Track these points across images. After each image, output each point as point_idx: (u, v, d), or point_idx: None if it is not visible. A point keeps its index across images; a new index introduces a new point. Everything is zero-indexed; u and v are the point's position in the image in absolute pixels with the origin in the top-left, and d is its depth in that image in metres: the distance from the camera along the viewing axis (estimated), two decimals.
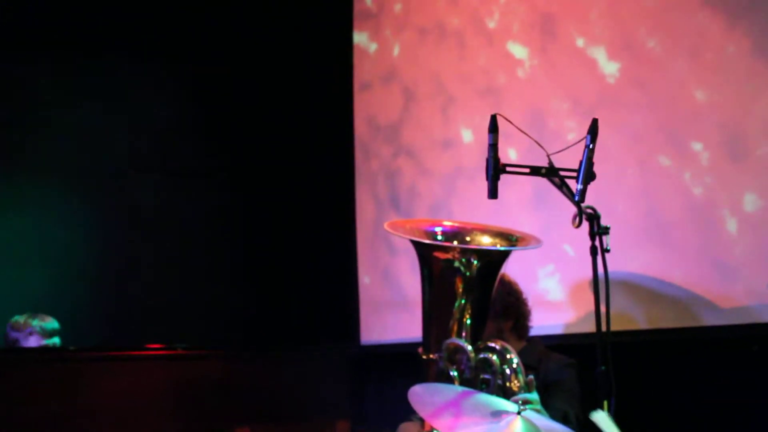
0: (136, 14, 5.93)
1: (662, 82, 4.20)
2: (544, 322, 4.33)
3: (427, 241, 3.65)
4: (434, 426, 2.90)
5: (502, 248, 3.67)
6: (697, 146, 4.03)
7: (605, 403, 3.24)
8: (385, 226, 3.80)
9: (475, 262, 3.50)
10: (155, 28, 5.99)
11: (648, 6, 4.28)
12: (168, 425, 4.53)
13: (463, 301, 3.51)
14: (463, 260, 3.50)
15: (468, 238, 3.71)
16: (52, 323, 5.07)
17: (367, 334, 5.78)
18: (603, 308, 3.42)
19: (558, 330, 4.52)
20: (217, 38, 6.17)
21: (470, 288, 3.50)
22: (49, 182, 5.63)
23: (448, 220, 3.87)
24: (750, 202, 3.87)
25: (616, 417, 2.96)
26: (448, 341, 3.46)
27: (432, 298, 3.62)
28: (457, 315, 3.50)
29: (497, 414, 2.67)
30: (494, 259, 3.59)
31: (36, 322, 5.02)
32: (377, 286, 5.72)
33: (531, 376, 3.37)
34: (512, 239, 3.75)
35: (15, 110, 5.57)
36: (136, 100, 5.89)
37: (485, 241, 3.72)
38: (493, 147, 2.57)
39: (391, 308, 5.54)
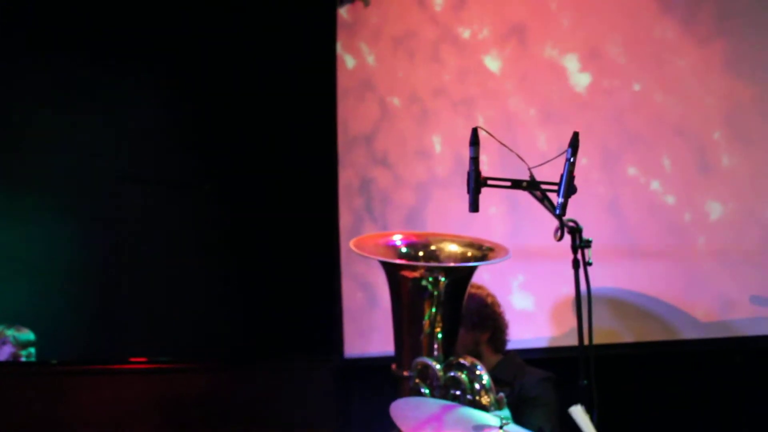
0: (122, 25, 5.92)
1: (627, 91, 4.26)
2: (523, 335, 4.33)
3: (394, 261, 3.63)
4: None
5: (469, 264, 3.65)
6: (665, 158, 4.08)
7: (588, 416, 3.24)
8: (351, 244, 3.76)
9: (443, 279, 3.49)
10: (141, 38, 5.98)
11: (614, 17, 4.34)
12: None
13: (433, 316, 3.50)
14: (431, 279, 3.49)
15: (435, 248, 3.69)
16: (27, 335, 5.05)
17: (350, 347, 5.77)
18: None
19: (539, 344, 4.52)
20: (201, 48, 6.16)
21: (439, 303, 3.49)
22: (32, 193, 5.59)
23: (416, 232, 3.85)
24: (715, 210, 3.91)
25: (599, 430, 2.96)
26: (417, 360, 3.45)
27: (402, 315, 3.61)
28: (427, 329, 3.49)
29: (479, 428, 2.67)
30: (462, 275, 3.58)
31: (10, 333, 4.99)
32: (360, 298, 5.72)
33: (501, 394, 3.36)
34: (482, 249, 3.72)
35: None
36: (117, 112, 5.87)
37: (454, 250, 3.69)
38: (475, 160, 2.57)
39: (374, 321, 5.54)
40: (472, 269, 3.60)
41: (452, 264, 3.64)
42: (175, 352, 5.26)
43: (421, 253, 3.70)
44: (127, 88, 5.95)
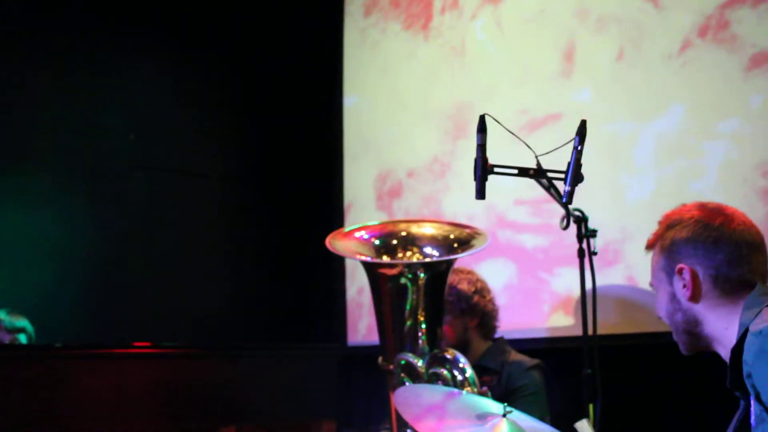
0: (137, 11, 5.92)
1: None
2: (524, 325, 4.33)
3: (370, 260, 3.62)
4: (418, 429, 2.89)
5: (447, 257, 3.64)
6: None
7: (590, 406, 3.24)
8: (326, 242, 3.73)
9: (422, 275, 3.48)
10: (155, 24, 5.99)
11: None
12: (153, 424, 4.50)
13: (414, 309, 3.48)
14: (410, 275, 3.48)
15: (412, 232, 3.66)
16: (21, 321, 5.05)
17: (353, 335, 5.78)
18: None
19: (541, 333, 4.52)
20: (217, 35, 6.16)
21: (420, 298, 3.48)
22: (43, 179, 5.59)
23: (396, 221, 3.82)
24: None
25: (602, 420, 2.97)
26: (399, 356, 3.45)
27: (383, 310, 3.60)
28: (410, 322, 3.48)
29: (482, 416, 2.67)
30: (441, 268, 3.57)
31: (4, 315, 5.01)
32: (364, 287, 5.72)
33: (485, 387, 3.35)
34: (461, 235, 3.69)
35: (8, 107, 5.54)
36: (131, 97, 5.87)
37: (432, 234, 3.66)
38: (482, 147, 2.56)
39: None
40: (450, 262, 3.60)
41: (429, 260, 3.62)
42: (179, 337, 5.26)
43: (394, 242, 3.68)
44: (142, 72, 5.96)
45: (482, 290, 3.96)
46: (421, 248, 3.67)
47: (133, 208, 5.83)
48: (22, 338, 5.03)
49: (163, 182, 5.95)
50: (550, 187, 3.02)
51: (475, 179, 2.56)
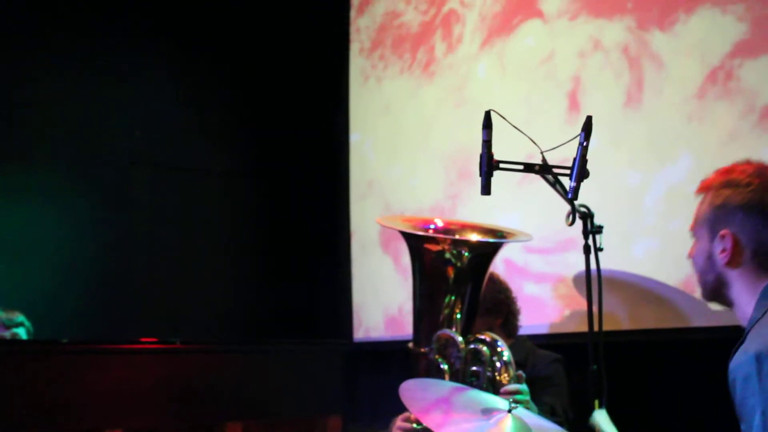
0: (143, 10, 5.93)
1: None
2: (532, 321, 4.33)
3: (419, 233, 3.66)
4: (424, 422, 2.89)
5: (493, 240, 3.68)
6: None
7: (596, 402, 3.24)
8: (377, 220, 3.80)
9: (466, 254, 3.50)
10: (162, 21, 6.00)
11: None
12: (159, 420, 4.52)
13: (453, 297, 3.51)
14: (454, 251, 3.50)
15: (458, 235, 3.71)
16: (17, 316, 5.07)
17: (359, 330, 5.78)
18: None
19: (547, 329, 4.52)
20: (221, 32, 6.17)
21: (461, 281, 3.50)
22: (48, 176, 5.61)
23: (439, 218, 3.87)
24: None
25: (607, 415, 2.97)
26: (439, 332, 3.46)
27: (423, 292, 3.62)
28: (447, 310, 3.50)
29: (488, 411, 2.66)
30: (485, 252, 3.59)
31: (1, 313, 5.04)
32: (369, 283, 5.72)
33: (520, 371, 3.37)
34: (500, 235, 3.76)
35: (13, 100, 5.55)
36: (136, 94, 5.88)
37: (475, 238, 3.73)
38: (487, 143, 2.57)
39: (382, 305, 5.55)
40: (496, 247, 3.62)
41: (478, 238, 3.67)
42: (185, 333, 5.28)
43: (441, 228, 3.74)
44: (146, 70, 5.96)
45: (506, 290, 4.00)
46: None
47: (138, 204, 5.84)
48: (22, 332, 5.05)
49: (168, 178, 5.96)
50: (555, 183, 3.02)
51: (480, 175, 2.57)
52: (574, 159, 2.52)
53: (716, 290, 2.52)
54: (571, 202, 3.08)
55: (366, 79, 5.92)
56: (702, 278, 2.55)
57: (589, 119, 2.53)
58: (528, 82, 4.73)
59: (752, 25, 3.70)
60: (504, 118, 2.62)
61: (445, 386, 2.93)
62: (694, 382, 3.95)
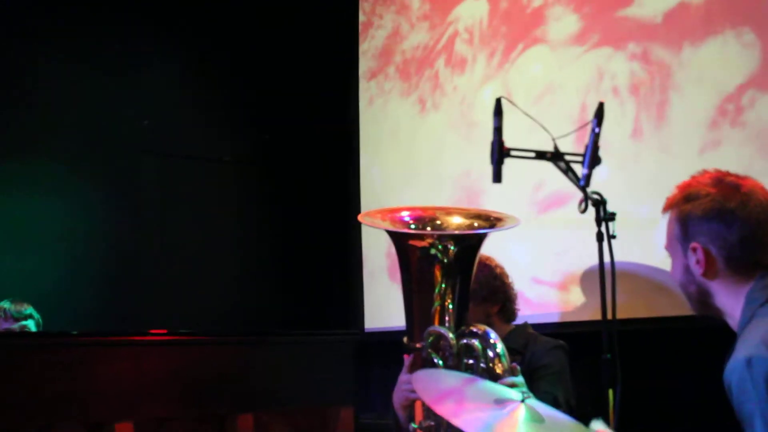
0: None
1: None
2: (543, 309, 4.30)
3: (401, 230, 3.61)
4: (437, 411, 2.88)
5: (478, 231, 3.62)
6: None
7: (610, 391, 3.21)
8: (359, 217, 3.74)
9: (452, 248, 3.45)
10: (172, 10, 5.99)
11: None
12: (170, 411, 4.50)
13: (443, 287, 3.46)
14: (440, 246, 3.45)
15: (442, 222, 3.65)
16: (26, 308, 5.07)
17: (371, 320, 5.77)
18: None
19: (559, 318, 4.49)
20: (228, 23, 6.16)
21: (449, 274, 3.45)
22: (56, 166, 5.61)
23: (422, 206, 3.81)
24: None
25: (621, 405, 2.94)
26: (429, 329, 3.43)
27: (411, 287, 3.58)
28: (438, 302, 3.46)
29: (501, 401, 2.65)
30: (471, 243, 3.54)
31: (8, 304, 5.02)
32: (381, 272, 5.71)
33: (514, 363, 3.34)
34: (489, 219, 3.69)
35: (22, 91, 5.55)
36: (146, 83, 5.88)
37: (460, 223, 3.66)
38: (498, 131, 2.53)
39: (394, 295, 5.53)
40: (482, 237, 3.57)
41: (462, 231, 3.61)
42: (195, 324, 5.27)
43: (428, 228, 3.67)
44: (155, 60, 5.96)
45: (502, 276, 3.96)
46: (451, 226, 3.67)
47: (148, 194, 5.84)
48: (31, 324, 5.05)
49: (177, 167, 5.96)
50: (567, 171, 2.99)
51: (492, 163, 2.54)
52: (587, 145, 2.49)
53: (702, 301, 2.54)
54: (583, 189, 3.05)
55: (370, 103, 5.89)
56: (685, 291, 2.58)
57: (601, 105, 2.50)
58: (534, 109, 4.69)
59: (764, 53, 3.65)
60: (515, 104, 2.59)
61: (457, 377, 2.92)
62: (709, 371, 3.93)
